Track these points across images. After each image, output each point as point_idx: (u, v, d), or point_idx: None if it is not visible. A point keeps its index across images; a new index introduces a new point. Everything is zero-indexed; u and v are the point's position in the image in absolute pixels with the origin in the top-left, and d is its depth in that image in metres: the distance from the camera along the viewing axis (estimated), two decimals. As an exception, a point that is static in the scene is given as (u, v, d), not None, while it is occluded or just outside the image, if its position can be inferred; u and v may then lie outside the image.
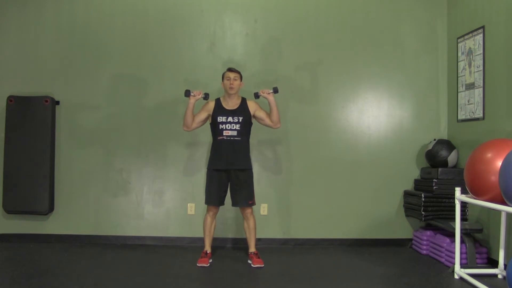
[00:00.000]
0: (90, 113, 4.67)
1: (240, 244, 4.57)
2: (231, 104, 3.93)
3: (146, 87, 4.68)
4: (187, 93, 3.92)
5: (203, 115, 3.97)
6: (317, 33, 4.72)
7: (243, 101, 3.98)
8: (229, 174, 3.90)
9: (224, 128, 3.87)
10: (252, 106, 3.98)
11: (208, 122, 4.01)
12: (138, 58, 4.69)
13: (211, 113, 3.94)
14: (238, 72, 3.97)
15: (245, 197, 3.92)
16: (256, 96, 3.99)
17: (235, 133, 3.87)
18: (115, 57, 4.70)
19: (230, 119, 3.87)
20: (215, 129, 3.92)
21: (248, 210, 3.94)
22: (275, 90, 3.93)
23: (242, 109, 3.93)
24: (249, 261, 3.92)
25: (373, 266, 3.91)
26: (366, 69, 4.72)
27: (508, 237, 3.58)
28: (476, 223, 4.01)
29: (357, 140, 4.71)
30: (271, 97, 3.90)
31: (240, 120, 3.89)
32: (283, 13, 4.74)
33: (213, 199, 3.93)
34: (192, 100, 3.91)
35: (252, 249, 3.97)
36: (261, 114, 3.98)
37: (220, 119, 3.88)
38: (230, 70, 3.96)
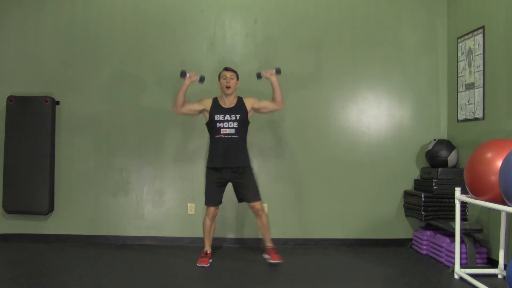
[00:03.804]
0: (90, 113, 4.68)
1: (240, 244, 4.58)
2: (228, 103, 3.94)
3: (146, 87, 4.69)
4: (183, 74, 3.88)
5: (197, 106, 3.95)
6: (317, 33, 4.72)
7: (240, 99, 3.98)
8: (228, 173, 3.87)
9: (222, 126, 3.86)
10: (249, 102, 3.97)
11: (205, 121, 4.00)
12: (138, 58, 4.70)
13: (208, 109, 3.93)
14: (235, 71, 3.97)
15: (252, 193, 3.90)
16: (259, 76, 3.97)
17: (232, 131, 3.86)
18: (115, 57, 4.70)
19: (227, 117, 3.87)
20: (213, 127, 3.91)
21: (259, 206, 3.90)
22: (278, 71, 3.93)
23: (239, 107, 3.93)
24: (266, 256, 3.91)
25: (373, 266, 3.91)
26: (366, 69, 4.72)
27: (508, 237, 3.58)
28: (476, 223, 4.01)
29: (357, 140, 4.71)
30: (273, 78, 3.90)
31: (238, 118, 3.88)
32: (283, 13, 4.74)
33: (212, 199, 3.93)
34: (187, 81, 3.88)
35: (269, 243, 3.94)
36: (262, 103, 3.97)
37: (218, 117, 3.88)
38: (227, 69, 3.97)
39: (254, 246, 4.54)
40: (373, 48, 4.73)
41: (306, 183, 4.67)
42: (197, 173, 4.65)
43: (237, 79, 3.98)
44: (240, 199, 4.00)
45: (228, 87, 3.88)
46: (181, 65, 4.65)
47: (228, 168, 3.86)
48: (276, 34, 4.72)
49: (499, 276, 3.52)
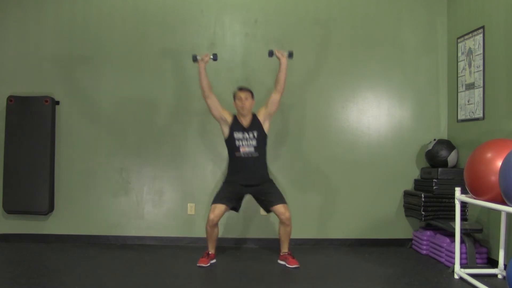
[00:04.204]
0: (90, 113, 4.68)
1: (240, 244, 4.58)
2: (245, 122, 3.94)
3: (146, 87, 4.68)
4: (195, 58, 3.88)
5: (220, 108, 3.92)
6: (317, 33, 4.72)
7: (254, 116, 3.97)
8: (248, 189, 3.90)
9: (241, 144, 3.88)
10: (260, 114, 3.97)
11: (224, 138, 3.99)
12: (138, 58, 4.69)
13: (228, 124, 3.92)
14: (249, 91, 3.95)
15: (276, 197, 3.89)
16: (270, 54, 3.97)
17: (252, 149, 3.88)
18: (115, 57, 4.70)
19: (246, 135, 3.89)
20: (232, 145, 3.91)
21: (288, 215, 3.82)
22: (290, 54, 3.95)
23: (255, 124, 3.94)
24: (282, 262, 3.91)
25: (373, 266, 3.91)
26: (366, 69, 4.72)
27: (508, 237, 3.58)
28: (476, 223, 4.01)
29: (357, 140, 4.71)
30: (284, 59, 3.92)
31: (256, 136, 3.90)
32: (283, 13, 4.74)
33: (220, 197, 3.87)
34: (201, 64, 3.88)
35: (286, 249, 3.93)
36: (268, 103, 3.95)
37: (237, 135, 3.89)
38: (241, 90, 3.94)
39: (255, 246, 4.55)
40: (373, 48, 4.73)
41: (306, 183, 4.67)
42: (197, 173, 4.66)
43: (252, 98, 3.96)
44: (268, 209, 3.94)
45: (243, 108, 3.88)
46: (181, 66, 4.68)
47: (249, 185, 3.88)
48: (276, 34, 4.72)
49: (499, 276, 3.52)
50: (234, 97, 3.96)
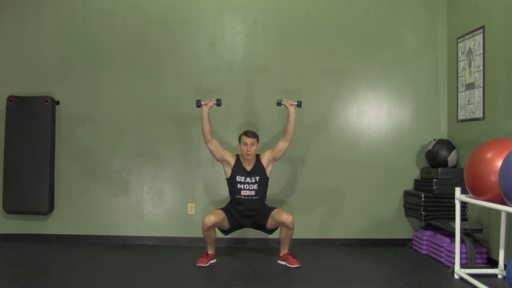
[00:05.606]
0: (90, 113, 4.67)
1: (240, 244, 4.58)
2: (249, 166, 3.94)
3: (146, 87, 4.68)
4: (198, 103, 3.89)
5: (222, 152, 3.94)
6: (317, 33, 4.72)
7: (258, 159, 3.98)
8: (245, 220, 3.93)
9: (242, 188, 3.90)
10: (265, 158, 3.98)
11: (225, 177, 4.02)
12: (138, 58, 4.69)
13: (231, 166, 3.94)
14: (255, 137, 3.94)
15: (272, 209, 3.92)
16: (278, 103, 3.98)
17: (253, 192, 3.90)
18: (115, 56, 4.70)
19: (248, 179, 3.91)
20: (233, 186, 3.93)
21: (291, 219, 3.78)
22: (299, 104, 3.94)
23: (258, 168, 3.94)
24: (282, 262, 3.90)
25: (373, 266, 3.91)
26: (366, 69, 4.72)
27: (508, 237, 3.57)
28: (476, 223, 4.01)
29: (357, 140, 4.71)
30: (292, 109, 3.91)
31: (258, 180, 3.91)
32: (283, 13, 4.73)
33: (225, 209, 3.92)
34: (205, 109, 3.87)
35: (286, 250, 3.93)
36: (276, 149, 3.96)
37: (239, 178, 3.90)
38: (247, 135, 3.91)
39: (254, 246, 4.55)
40: (373, 48, 4.73)
41: (306, 183, 4.67)
42: (197, 173, 4.66)
43: (258, 142, 3.95)
44: (271, 230, 3.97)
45: (248, 154, 3.88)
46: (181, 66, 4.68)
47: (246, 216, 3.91)
48: (276, 34, 4.72)
49: (499, 276, 3.52)
50: (239, 140, 3.94)
